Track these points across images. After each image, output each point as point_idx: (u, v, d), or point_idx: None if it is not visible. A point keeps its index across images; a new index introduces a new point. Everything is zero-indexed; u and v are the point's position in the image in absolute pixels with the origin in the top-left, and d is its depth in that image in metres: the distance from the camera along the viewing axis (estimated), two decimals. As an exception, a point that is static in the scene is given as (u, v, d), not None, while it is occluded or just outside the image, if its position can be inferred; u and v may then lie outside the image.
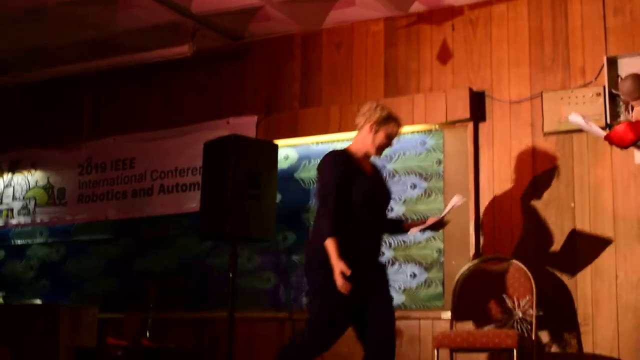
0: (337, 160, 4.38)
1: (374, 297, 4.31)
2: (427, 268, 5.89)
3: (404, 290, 5.89)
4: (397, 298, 5.73)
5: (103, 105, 7.60)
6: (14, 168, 7.84)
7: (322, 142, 6.41)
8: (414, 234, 4.76)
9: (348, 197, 4.28)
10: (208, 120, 6.88)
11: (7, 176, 7.87)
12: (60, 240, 7.47)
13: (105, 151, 7.35)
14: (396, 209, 6.01)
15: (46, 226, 7.56)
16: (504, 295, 5.24)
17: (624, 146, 4.76)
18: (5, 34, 6.93)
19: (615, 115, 5.39)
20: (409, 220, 5.31)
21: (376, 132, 4.46)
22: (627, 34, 5.54)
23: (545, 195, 5.59)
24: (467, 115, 5.83)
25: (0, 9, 6.43)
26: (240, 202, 5.62)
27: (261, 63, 6.91)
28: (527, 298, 5.16)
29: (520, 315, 5.12)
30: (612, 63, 5.47)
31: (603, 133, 4.76)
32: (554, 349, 5.37)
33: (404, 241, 5.94)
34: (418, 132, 6.03)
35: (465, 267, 5.50)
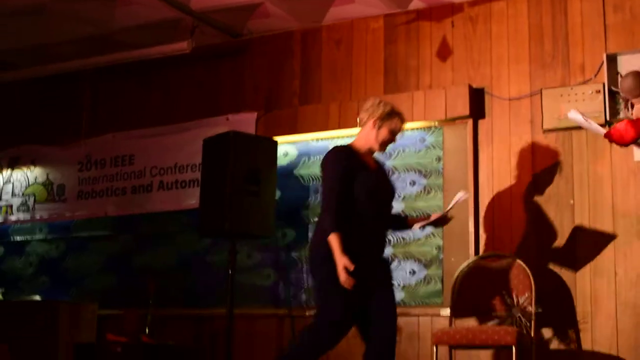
0: (340, 156, 4.39)
1: (376, 293, 4.32)
2: (427, 265, 5.89)
3: (403, 287, 5.90)
4: (397, 295, 5.68)
5: (102, 101, 7.60)
6: (13, 164, 7.83)
7: (321, 139, 6.41)
8: (417, 229, 4.76)
9: (351, 192, 4.29)
10: (207, 116, 6.87)
11: (6, 172, 7.86)
12: (60, 237, 7.47)
13: (105, 148, 7.35)
14: (395, 206, 5.95)
15: (45, 222, 7.55)
16: (503, 292, 5.24)
17: (623, 144, 4.76)
18: (3, 31, 6.93)
19: (614, 112, 5.39)
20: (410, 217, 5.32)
21: (379, 127, 4.46)
22: (626, 31, 5.53)
23: (545, 192, 5.59)
24: (467, 112, 5.83)
25: (-1, 5, 6.44)
26: (239, 198, 5.62)
27: (261, 60, 6.90)
28: (527, 295, 5.17)
29: (520, 312, 5.12)
30: (612, 60, 5.46)
31: (602, 130, 4.76)
32: (553, 346, 5.37)
33: (403, 238, 5.94)
34: (417, 129, 6.03)
35: (464, 264, 5.50)
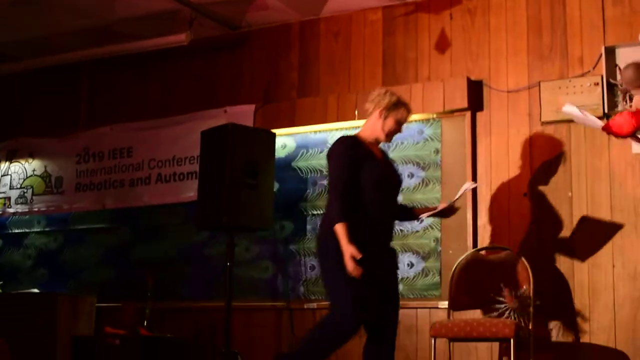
0: (347, 146, 4.39)
1: (381, 285, 4.32)
2: (425, 257, 5.89)
3: (402, 279, 5.88)
4: (395, 287, 5.73)
5: (100, 93, 7.59)
6: (11, 157, 7.82)
7: (319, 131, 6.40)
8: (424, 219, 4.77)
9: (358, 182, 4.29)
10: (205, 109, 6.86)
11: (4, 165, 7.85)
12: (58, 229, 7.46)
13: (103, 140, 7.34)
14: (394, 198, 6.00)
15: (44, 215, 7.54)
16: (502, 285, 5.23)
17: (622, 135, 4.74)
18: (1, 23, 6.91)
19: (613, 105, 5.38)
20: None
21: (385, 117, 4.47)
22: (625, 24, 5.52)
23: (543, 184, 5.59)
24: (465, 104, 5.82)
25: (-4, -3, 6.43)
26: (237, 191, 5.62)
27: (259, 52, 6.89)
28: (525, 287, 5.16)
29: (518, 304, 5.12)
30: (610, 53, 5.45)
31: (600, 123, 4.72)
32: (552, 338, 5.38)
33: (401, 230, 5.94)
34: (416, 121, 6.01)
35: (462, 257, 5.50)
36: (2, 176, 7.84)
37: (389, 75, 6.26)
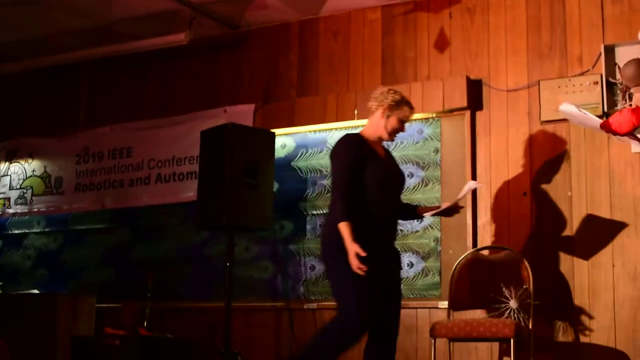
0: (350, 144, 4.40)
1: (384, 284, 4.32)
2: (424, 257, 5.88)
3: (402, 279, 5.87)
4: (395, 287, 5.72)
5: (99, 93, 7.59)
6: (10, 157, 7.82)
7: (319, 131, 6.39)
8: (428, 217, 4.78)
9: (362, 181, 4.29)
10: (205, 108, 6.86)
11: (3, 165, 7.85)
12: (58, 230, 7.46)
13: (102, 140, 7.33)
14: (394, 198, 5.99)
15: (43, 215, 7.54)
16: (501, 285, 5.22)
17: (621, 133, 4.71)
18: (1, 23, 6.90)
19: (612, 103, 5.37)
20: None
21: (388, 116, 4.47)
22: (624, 23, 5.50)
23: (542, 184, 5.58)
24: (465, 103, 5.81)
25: (-5, -3, 6.43)
26: (237, 191, 5.61)
27: (258, 51, 6.88)
28: (524, 287, 5.15)
29: (518, 304, 5.11)
30: (610, 51, 5.44)
31: (598, 120, 4.68)
32: (552, 338, 5.37)
33: (400, 230, 5.92)
34: (415, 120, 6.00)
35: (462, 256, 5.49)
36: (1, 177, 7.84)
37: (388, 75, 6.25)
